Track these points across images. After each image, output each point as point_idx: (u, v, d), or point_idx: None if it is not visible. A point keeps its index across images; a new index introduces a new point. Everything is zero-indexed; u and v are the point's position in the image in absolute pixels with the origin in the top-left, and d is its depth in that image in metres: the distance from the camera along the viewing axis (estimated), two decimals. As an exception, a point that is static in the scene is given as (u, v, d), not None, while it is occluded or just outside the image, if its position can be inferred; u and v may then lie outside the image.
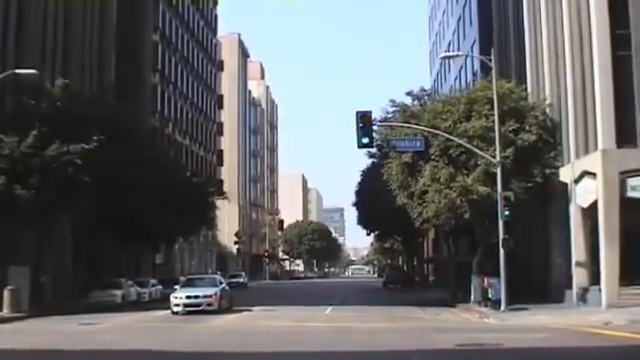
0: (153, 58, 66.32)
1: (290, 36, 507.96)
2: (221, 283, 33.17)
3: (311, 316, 29.62)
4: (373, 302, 41.53)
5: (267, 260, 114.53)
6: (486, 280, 32.13)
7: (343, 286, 78.29)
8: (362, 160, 59.48)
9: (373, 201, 54.54)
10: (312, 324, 25.47)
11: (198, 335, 22.06)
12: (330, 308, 34.65)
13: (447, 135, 32.28)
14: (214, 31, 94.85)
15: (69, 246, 46.96)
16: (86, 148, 33.56)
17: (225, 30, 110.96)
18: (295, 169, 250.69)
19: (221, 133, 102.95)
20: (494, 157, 31.22)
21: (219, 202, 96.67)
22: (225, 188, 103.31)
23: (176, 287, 33.73)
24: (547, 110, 34.85)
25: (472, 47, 57.08)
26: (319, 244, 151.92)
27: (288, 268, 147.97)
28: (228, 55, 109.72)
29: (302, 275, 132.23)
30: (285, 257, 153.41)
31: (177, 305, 30.48)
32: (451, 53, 35.37)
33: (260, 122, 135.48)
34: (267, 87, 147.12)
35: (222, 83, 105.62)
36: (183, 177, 50.52)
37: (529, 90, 37.27)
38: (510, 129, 32.81)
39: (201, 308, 30.24)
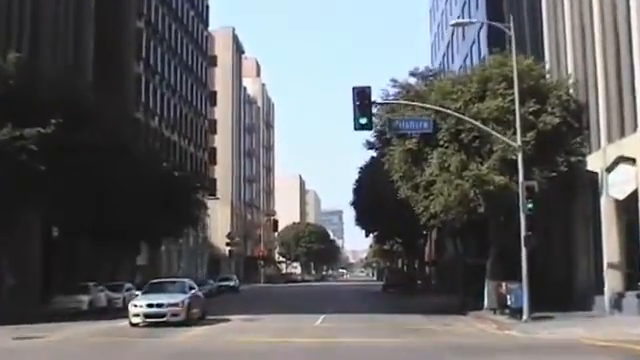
0: (136, 46, 61.93)
1: (287, 34, 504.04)
2: (192, 289, 28.24)
3: (298, 328, 25.05)
4: (372, 309, 37.06)
5: (262, 263, 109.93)
6: (504, 285, 27.69)
7: (340, 290, 73.75)
8: (361, 159, 55.56)
9: (372, 198, 50.56)
10: (296, 340, 20.88)
11: (145, 357, 17.64)
12: (322, 317, 29.96)
13: (459, 115, 27.87)
14: (205, 23, 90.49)
15: (38, 246, 42.70)
16: (43, 133, 29.22)
17: (220, 25, 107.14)
18: (292, 170, 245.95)
19: (214, 131, 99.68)
20: (514, 141, 26.89)
21: (212, 202, 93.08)
22: (218, 188, 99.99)
23: (137, 293, 28.95)
24: (571, 90, 30.50)
25: (479, 32, 52.85)
26: (316, 246, 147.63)
27: (285, 271, 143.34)
28: (222, 50, 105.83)
29: (299, 278, 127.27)
30: (281, 260, 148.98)
31: (136, 315, 25.59)
32: (462, 20, 30.73)
33: (256, 120, 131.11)
34: (263, 85, 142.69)
35: (216, 79, 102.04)
36: (164, 170, 46.04)
37: (547, 67, 32.88)
38: (530, 110, 28.45)
39: (165, 319, 25.36)
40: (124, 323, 25.95)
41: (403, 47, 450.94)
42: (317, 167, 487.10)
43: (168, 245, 68.92)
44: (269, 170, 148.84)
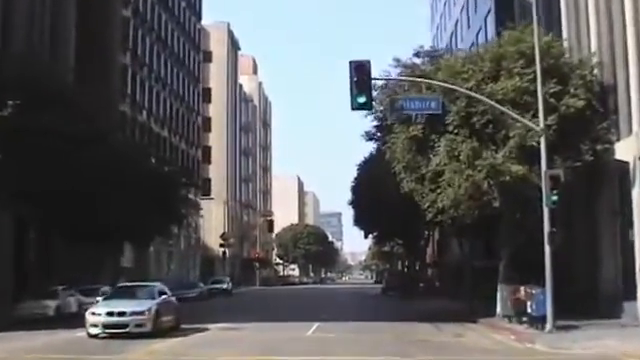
0: (123, 35, 58.49)
1: (285, 34, 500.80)
2: (163, 294, 24.51)
3: (286, 339, 21.61)
4: (372, 315, 33.68)
5: (257, 264, 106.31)
6: (523, 290, 24.26)
7: (338, 293, 70.42)
8: (360, 156, 51.84)
9: (372, 195, 47.24)
10: (279, 357, 17.42)
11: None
12: (316, 325, 26.34)
13: (472, 94, 24.48)
14: (198, 15, 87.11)
15: (9, 247, 39.29)
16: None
17: (215, 21, 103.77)
18: (291, 172, 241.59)
19: (209, 129, 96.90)
20: (533, 124, 23.54)
21: (206, 202, 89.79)
22: (213, 187, 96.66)
23: (98, 299, 25.20)
24: (595, 71, 27.13)
25: (486, 19, 49.62)
26: (315, 248, 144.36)
27: (282, 273, 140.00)
28: (217, 46, 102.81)
29: (296, 281, 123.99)
30: (279, 262, 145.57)
31: (94, 325, 21.76)
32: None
33: (252, 119, 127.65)
34: (260, 83, 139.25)
35: (210, 76, 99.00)
36: (149, 165, 42.62)
37: (565, 45, 29.48)
38: (550, 92, 25.08)
39: (127, 330, 21.57)
40: (83, 333, 22.39)
41: (404, 44, 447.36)
42: (316, 169, 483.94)
43: (157, 246, 65.60)
44: (266, 170, 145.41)
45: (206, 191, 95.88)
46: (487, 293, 31.50)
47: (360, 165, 54.39)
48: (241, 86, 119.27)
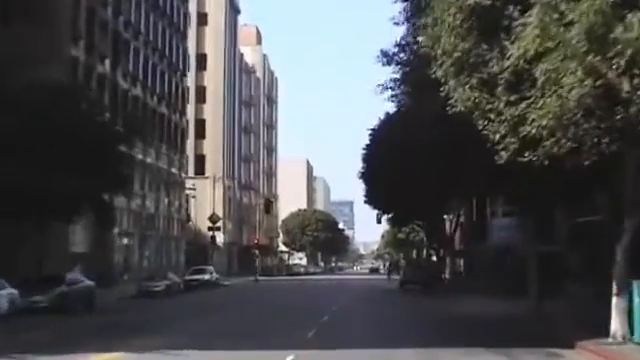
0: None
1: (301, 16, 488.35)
2: None
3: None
4: (389, 324, 21.55)
5: (257, 252, 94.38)
6: None
7: (346, 287, 58.35)
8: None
9: (389, 155, 36.08)
10: None
11: None
12: (290, 358, 14.10)
13: None
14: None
15: None
16: None
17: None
18: (300, 155, 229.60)
19: (203, 99, 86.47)
20: None
21: (200, 182, 78.39)
22: (207, 166, 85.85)
23: None
24: None
25: None
26: (324, 235, 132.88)
27: (288, 262, 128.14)
28: (213, 8, 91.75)
29: (302, 270, 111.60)
30: (284, 249, 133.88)
31: None
32: None
33: (255, 93, 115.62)
34: (264, 55, 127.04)
35: (205, 40, 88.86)
36: (75, 108, 30.45)
37: None
38: None
39: None
40: None
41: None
42: (328, 157, 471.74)
43: (125, 227, 54.01)
44: (271, 151, 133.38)
45: (199, 169, 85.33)
46: (587, 294, 19.54)
47: (373, 129, 42.67)
48: (242, 56, 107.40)
